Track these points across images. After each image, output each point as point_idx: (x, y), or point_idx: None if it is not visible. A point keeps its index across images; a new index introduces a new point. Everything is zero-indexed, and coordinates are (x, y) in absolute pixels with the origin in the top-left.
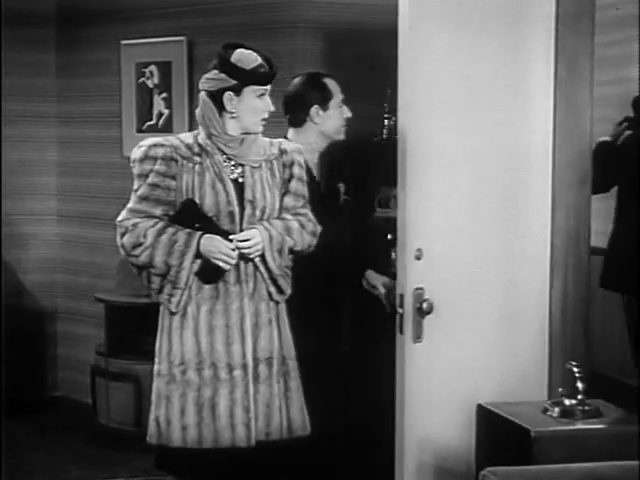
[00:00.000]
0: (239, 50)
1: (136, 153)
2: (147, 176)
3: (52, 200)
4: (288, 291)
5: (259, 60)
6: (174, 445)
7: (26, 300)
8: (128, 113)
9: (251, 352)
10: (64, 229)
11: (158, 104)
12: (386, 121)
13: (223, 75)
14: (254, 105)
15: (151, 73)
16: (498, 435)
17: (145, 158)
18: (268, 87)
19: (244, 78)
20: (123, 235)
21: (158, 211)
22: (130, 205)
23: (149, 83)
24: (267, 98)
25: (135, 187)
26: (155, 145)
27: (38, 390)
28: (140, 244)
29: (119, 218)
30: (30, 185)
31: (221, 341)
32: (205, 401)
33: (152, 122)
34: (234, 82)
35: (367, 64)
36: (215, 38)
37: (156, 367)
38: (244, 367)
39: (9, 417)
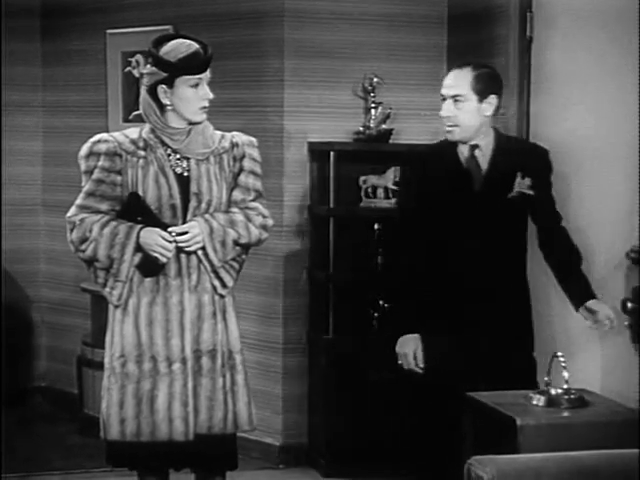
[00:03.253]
0: (172, 42)
1: (82, 150)
2: (92, 172)
3: (37, 190)
4: (231, 284)
5: (192, 49)
6: (112, 438)
7: (11, 290)
8: (114, 102)
9: (190, 346)
10: (49, 219)
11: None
12: (373, 111)
13: (154, 69)
14: (187, 95)
15: (137, 62)
16: (484, 424)
17: (89, 154)
18: (203, 75)
19: (173, 69)
20: (72, 230)
21: (104, 206)
22: (78, 201)
23: (135, 72)
24: (204, 86)
25: (82, 183)
26: (99, 141)
27: (23, 380)
28: (86, 238)
29: (68, 214)
30: (15, 175)
31: (160, 334)
32: (144, 394)
33: (138, 112)
34: (165, 75)
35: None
36: (200, 27)
37: (105, 360)
38: (183, 361)
39: None
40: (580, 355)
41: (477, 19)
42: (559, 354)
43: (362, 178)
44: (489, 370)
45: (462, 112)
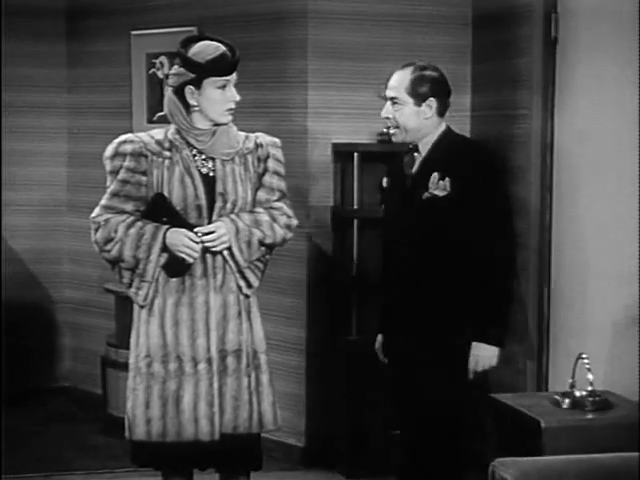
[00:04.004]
0: (200, 43)
1: (107, 151)
2: (117, 173)
3: (62, 191)
4: (256, 284)
5: (220, 51)
6: (138, 439)
7: (35, 291)
8: (138, 104)
9: (216, 345)
10: (74, 220)
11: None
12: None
13: (182, 70)
14: (215, 97)
15: (161, 64)
16: (508, 426)
17: (115, 155)
18: (230, 77)
19: (201, 71)
20: (96, 231)
21: (129, 207)
22: (103, 202)
23: (159, 73)
24: (231, 88)
25: (107, 184)
26: (124, 142)
27: (47, 380)
28: (111, 239)
29: (92, 214)
30: (40, 176)
31: (186, 334)
32: (170, 394)
33: (163, 113)
34: (192, 76)
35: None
36: (224, 28)
37: (130, 361)
38: (209, 361)
39: (18, 406)
40: (602, 356)
41: (501, 19)
42: (584, 355)
43: (386, 179)
44: (422, 361)
45: (399, 114)
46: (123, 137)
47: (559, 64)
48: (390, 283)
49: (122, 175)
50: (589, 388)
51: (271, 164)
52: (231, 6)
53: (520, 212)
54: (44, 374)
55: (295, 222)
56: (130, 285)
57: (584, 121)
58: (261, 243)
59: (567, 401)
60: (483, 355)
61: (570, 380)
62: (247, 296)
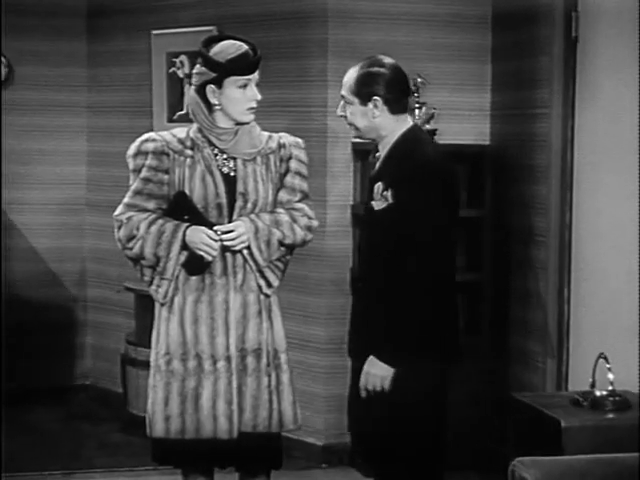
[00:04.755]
0: (221, 42)
1: (130, 149)
2: (140, 171)
3: (82, 190)
4: (276, 284)
5: (241, 50)
6: (158, 436)
7: (57, 289)
8: (159, 103)
9: (235, 344)
10: (94, 218)
11: (189, 94)
12: (417, 111)
13: (204, 69)
14: (236, 96)
15: (181, 63)
16: (529, 426)
17: (137, 153)
18: (251, 76)
19: (222, 70)
20: (119, 229)
21: (151, 205)
22: (125, 200)
23: (180, 73)
24: (252, 87)
25: (130, 182)
26: (147, 140)
27: (67, 378)
28: (133, 236)
29: (115, 212)
30: (60, 175)
31: (205, 332)
32: (188, 392)
33: (183, 112)
34: (214, 75)
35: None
36: (244, 28)
37: (151, 358)
38: (228, 359)
39: (38, 404)
40: (623, 356)
41: (521, 18)
42: (604, 355)
43: None
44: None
45: (349, 113)
46: (146, 136)
47: (579, 63)
48: (352, 289)
49: (144, 173)
50: (609, 388)
51: (293, 165)
52: (251, 5)
53: (540, 210)
54: (65, 372)
55: (316, 223)
56: (151, 283)
57: (604, 120)
58: (281, 243)
59: (587, 401)
60: (373, 373)
61: (590, 380)
62: (267, 295)
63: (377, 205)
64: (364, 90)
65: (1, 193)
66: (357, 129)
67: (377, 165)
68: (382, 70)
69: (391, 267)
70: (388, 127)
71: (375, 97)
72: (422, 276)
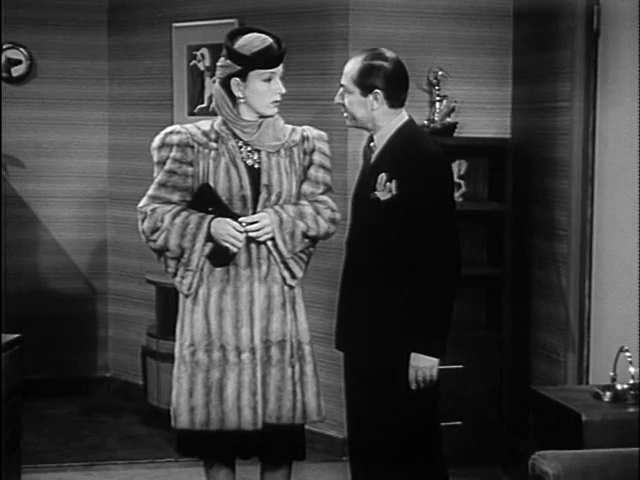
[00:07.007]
0: (246, 35)
1: (154, 141)
2: (164, 163)
3: (103, 182)
4: (300, 275)
5: (266, 43)
6: (182, 427)
7: (78, 282)
8: (179, 96)
9: (259, 335)
10: (115, 211)
11: (209, 87)
12: (437, 104)
13: (229, 62)
14: (260, 89)
15: (202, 56)
16: (549, 419)
17: (162, 146)
18: (276, 69)
19: (246, 63)
20: (143, 220)
21: (176, 197)
22: (149, 192)
23: (200, 66)
24: (277, 81)
25: (154, 174)
26: (171, 133)
27: (89, 370)
28: (158, 228)
29: (139, 204)
30: (82, 168)
31: (230, 324)
32: (213, 383)
33: (204, 105)
34: (239, 68)
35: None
36: (265, 21)
37: (175, 350)
38: (252, 350)
39: (59, 396)
40: None
41: (543, 12)
42: (625, 348)
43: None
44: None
45: (348, 102)
46: (170, 128)
47: (601, 57)
48: (342, 281)
49: (169, 166)
50: (631, 381)
51: (317, 157)
52: None
53: (561, 204)
54: (86, 364)
55: (339, 216)
56: (175, 274)
57: (626, 113)
58: (304, 235)
59: (608, 394)
60: (422, 366)
61: (611, 373)
62: (291, 287)
63: (383, 196)
64: (367, 82)
65: (1, 186)
66: (354, 118)
67: (374, 156)
68: (385, 64)
69: (404, 257)
70: (385, 119)
71: (377, 90)
72: (445, 264)
